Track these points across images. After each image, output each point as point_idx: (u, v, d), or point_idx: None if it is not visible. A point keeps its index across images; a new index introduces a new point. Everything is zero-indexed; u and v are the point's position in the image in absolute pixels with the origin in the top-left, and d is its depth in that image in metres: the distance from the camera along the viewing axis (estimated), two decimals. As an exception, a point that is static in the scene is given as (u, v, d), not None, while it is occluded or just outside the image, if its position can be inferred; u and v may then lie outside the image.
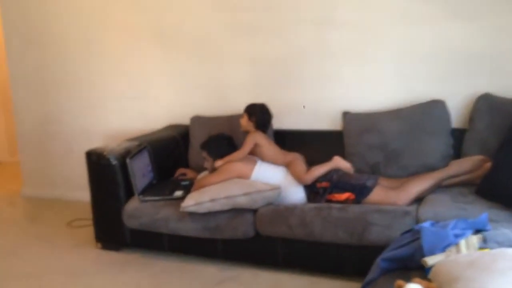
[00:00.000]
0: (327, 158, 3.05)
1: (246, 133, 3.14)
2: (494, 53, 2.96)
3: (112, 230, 3.21)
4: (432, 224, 1.90)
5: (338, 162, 2.96)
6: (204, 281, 2.82)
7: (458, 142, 2.98)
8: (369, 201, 2.74)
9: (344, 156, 3.15)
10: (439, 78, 3.12)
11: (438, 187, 2.79)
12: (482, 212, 2.37)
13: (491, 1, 2.92)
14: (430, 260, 1.71)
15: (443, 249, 1.74)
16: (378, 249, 2.46)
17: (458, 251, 1.72)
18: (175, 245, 3.06)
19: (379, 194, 2.74)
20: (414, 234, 1.96)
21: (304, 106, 3.46)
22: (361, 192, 2.76)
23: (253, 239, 2.83)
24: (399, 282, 1.51)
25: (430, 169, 2.89)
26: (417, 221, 2.49)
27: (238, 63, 3.64)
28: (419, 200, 2.72)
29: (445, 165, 2.90)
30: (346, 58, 3.33)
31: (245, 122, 3.14)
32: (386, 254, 1.91)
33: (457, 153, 2.96)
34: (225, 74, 3.69)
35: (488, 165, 2.73)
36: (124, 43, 3.98)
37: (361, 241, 2.57)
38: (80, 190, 4.15)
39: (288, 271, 2.83)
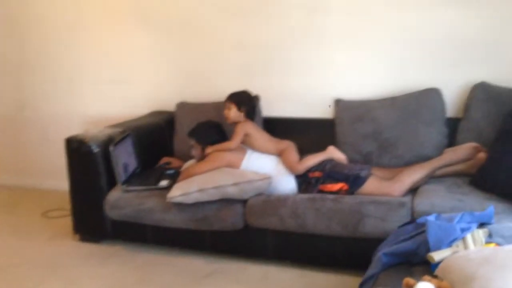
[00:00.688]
0: (317, 147, 2.97)
1: (233, 124, 3.00)
2: (490, 41, 2.88)
3: (92, 221, 3.05)
4: (437, 217, 1.81)
5: (333, 152, 2.86)
6: (191, 274, 2.70)
7: (452, 131, 2.91)
8: (363, 192, 2.65)
9: (336, 145, 3.06)
10: (434, 66, 3.03)
11: (431, 177, 2.72)
12: (479, 203, 2.33)
13: (488, -13, 2.84)
14: (436, 256, 1.63)
15: (449, 244, 1.66)
16: (373, 241, 2.40)
17: (466, 246, 1.64)
18: (160, 237, 2.93)
19: (373, 184, 2.65)
20: (417, 227, 1.88)
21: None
22: (354, 183, 2.67)
23: (242, 231, 2.72)
24: (408, 280, 1.41)
25: (424, 159, 2.81)
26: (413, 212, 2.42)
27: (225, 47, 3.49)
28: (412, 190, 2.64)
29: (439, 154, 2.83)
30: (338, 44, 3.21)
31: (234, 113, 2.97)
32: (388, 248, 1.82)
33: (452, 142, 2.89)
34: (212, 59, 3.54)
35: (482, 155, 2.66)
36: (104, 25, 3.80)
37: (355, 233, 2.48)
38: (56, 179, 3.99)
39: (278, 264, 2.73)
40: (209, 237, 2.81)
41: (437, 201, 2.38)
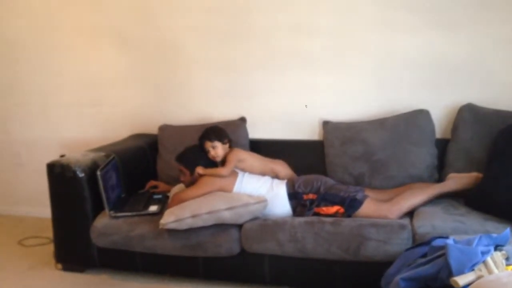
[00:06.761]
0: (307, 168, 2.99)
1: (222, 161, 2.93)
2: (476, 63, 2.95)
3: (76, 250, 2.90)
4: (455, 241, 1.81)
5: None
6: (184, 303, 2.61)
7: (440, 152, 2.95)
8: (359, 214, 2.63)
9: (325, 166, 3.06)
10: (420, 88, 3.07)
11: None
12: (480, 224, 2.35)
13: (473, 11, 2.91)
14: (461, 280, 1.61)
15: (471, 268, 1.66)
16: (374, 264, 2.40)
17: (489, 269, 1.64)
18: (150, 265, 2.81)
19: (369, 207, 2.63)
20: (432, 250, 1.86)
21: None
22: (351, 206, 2.64)
23: (237, 257, 2.64)
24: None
25: (416, 179, 2.84)
26: (414, 234, 2.41)
27: (208, 69, 3.42)
28: (408, 213, 2.64)
29: (431, 176, 2.87)
30: (325, 66, 3.21)
31: (221, 150, 2.90)
32: (406, 273, 1.80)
33: (441, 163, 2.93)
34: (194, 81, 3.47)
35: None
36: (81, 46, 3.67)
37: (357, 256, 2.45)
38: (29, 205, 3.82)
39: (276, 290, 2.67)
40: (202, 263, 2.71)
41: (438, 223, 2.38)
